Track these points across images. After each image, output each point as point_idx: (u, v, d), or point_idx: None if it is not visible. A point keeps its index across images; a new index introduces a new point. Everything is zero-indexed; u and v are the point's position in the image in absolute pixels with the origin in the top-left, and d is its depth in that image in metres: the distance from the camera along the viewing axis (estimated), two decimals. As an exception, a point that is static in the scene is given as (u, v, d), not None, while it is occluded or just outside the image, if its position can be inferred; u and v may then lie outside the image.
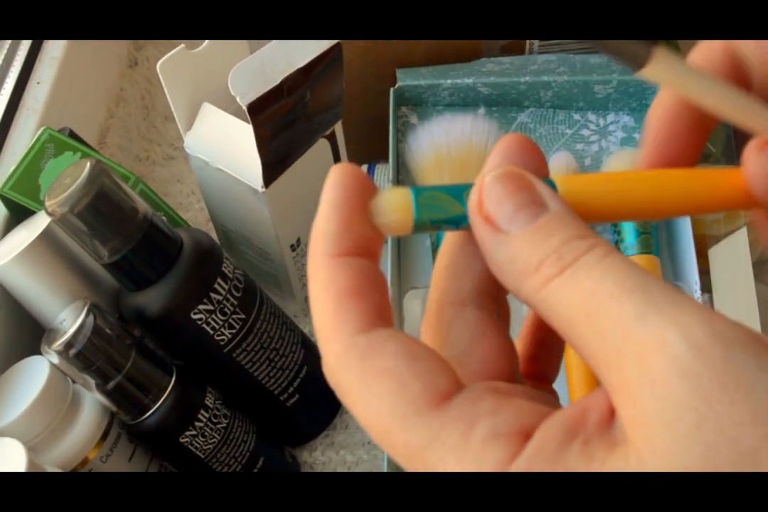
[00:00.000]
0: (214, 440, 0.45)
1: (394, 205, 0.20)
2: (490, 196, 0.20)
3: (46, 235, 0.43)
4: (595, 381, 0.45)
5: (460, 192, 0.21)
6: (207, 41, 0.47)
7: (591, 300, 0.17)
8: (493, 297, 0.21)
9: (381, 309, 0.19)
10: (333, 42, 0.44)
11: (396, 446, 0.17)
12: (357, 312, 0.18)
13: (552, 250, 0.18)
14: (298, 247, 0.53)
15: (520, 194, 0.19)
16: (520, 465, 0.16)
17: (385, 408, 0.17)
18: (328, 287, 0.19)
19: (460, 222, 0.20)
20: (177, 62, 0.45)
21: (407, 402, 0.17)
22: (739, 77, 0.23)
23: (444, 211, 0.20)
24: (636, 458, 0.16)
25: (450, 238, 0.22)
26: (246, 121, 0.43)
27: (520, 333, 0.25)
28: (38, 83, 0.55)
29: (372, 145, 0.58)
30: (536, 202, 0.19)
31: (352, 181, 0.20)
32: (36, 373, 0.43)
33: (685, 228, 0.49)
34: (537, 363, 0.24)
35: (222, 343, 0.45)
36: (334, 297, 0.19)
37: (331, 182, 0.20)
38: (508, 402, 0.18)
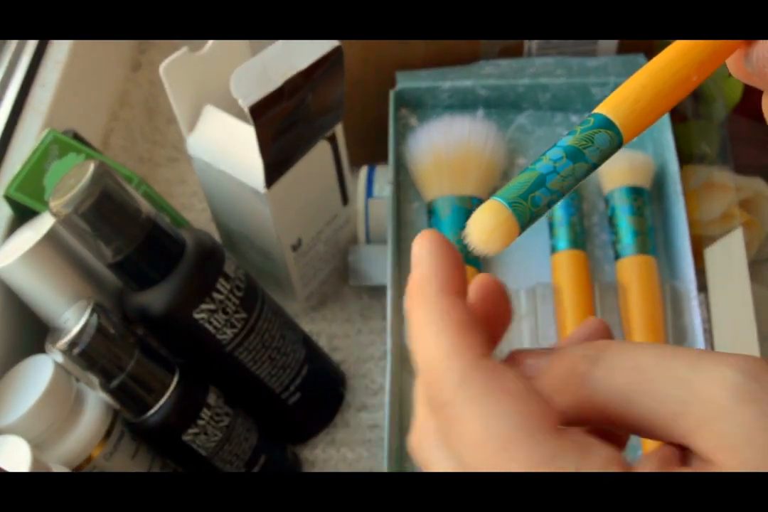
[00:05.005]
0: (216, 438, 0.46)
1: (497, 219, 0.20)
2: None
3: (50, 236, 0.43)
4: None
5: (532, 185, 0.21)
6: (209, 44, 0.48)
7: (640, 373, 0.20)
8: None
9: (491, 343, 0.21)
10: (334, 45, 0.44)
11: (517, 460, 0.19)
12: (478, 340, 0.20)
13: (578, 357, 0.21)
14: (299, 247, 0.53)
15: None
16: None
17: (510, 424, 0.19)
18: (447, 317, 0.20)
19: (554, 199, 0.21)
20: (180, 65, 0.46)
21: (532, 421, 0.19)
22: None
23: (536, 204, 0.20)
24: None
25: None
26: (248, 123, 0.44)
27: None
28: (43, 86, 0.56)
29: (372, 146, 0.58)
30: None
31: (442, 239, 0.22)
32: (40, 372, 0.43)
33: (682, 228, 0.50)
34: None
35: (224, 342, 0.45)
36: (456, 325, 0.20)
37: (425, 240, 0.22)
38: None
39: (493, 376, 0.20)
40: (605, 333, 0.24)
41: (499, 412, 0.19)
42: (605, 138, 0.21)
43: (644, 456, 0.20)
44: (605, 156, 0.21)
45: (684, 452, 0.20)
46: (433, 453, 0.21)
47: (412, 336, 0.21)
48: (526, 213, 0.20)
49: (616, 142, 0.21)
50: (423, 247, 0.22)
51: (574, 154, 0.21)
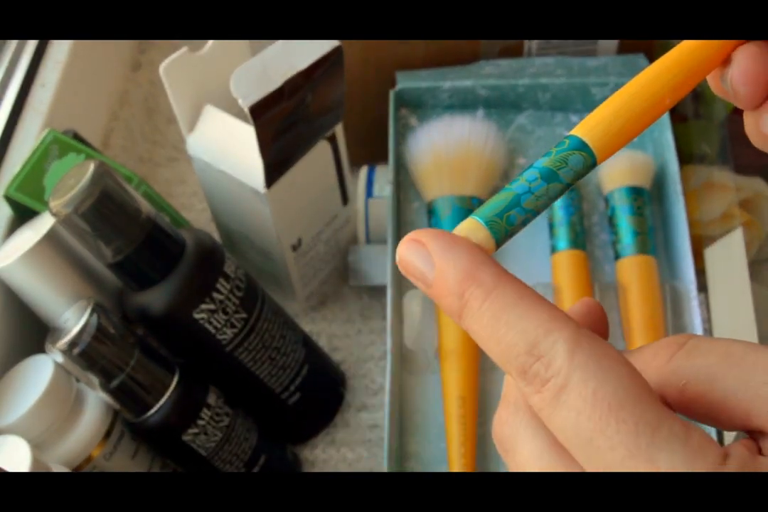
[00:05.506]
0: (216, 438, 0.46)
1: (475, 237, 0.21)
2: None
3: (50, 236, 0.43)
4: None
5: (510, 203, 0.22)
6: (209, 44, 0.48)
7: (731, 356, 0.21)
8: None
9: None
10: (334, 45, 0.44)
11: (626, 422, 0.19)
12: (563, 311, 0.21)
13: (665, 341, 0.22)
14: (299, 247, 0.53)
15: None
16: (731, 468, 0.19)
17: (620, 387, 0.19)
18: (528, 293, 0.21)
19: (529, 218, 0.22)
20: (180, 65, 0.46)
21: (641, 385, 0.19)
22: None
23: (511, 223, 0.21)
24: None
25: None
26: (248, 123, 0.44)
27: None
28: (43, 86, 0.56)
29: (372, 146, 0.58)
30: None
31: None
32: (40, 372, 0.43)
33: (682, 228, 0.50)
34: None
35: (224, 342, 0.45)
36: (541, 299, 0.21)
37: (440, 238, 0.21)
38: None
39: (597, 343, 0.20)
40: (601, 314, 0.24)
41: (609, 377, 0.19)
42: (579, 159, 0.22)
43: (730, 445, 0.20)
44: (579, 176, 0.22)
45: (758, 443, 0.20)
46: (521, 438, 0.21)
47: (485, 325, 0.20)
48: (502, 231, 0.21)
49: (590, 163, 0.22)
50: (438, 244, 0.21)
51: (548, 175, 0.22)
